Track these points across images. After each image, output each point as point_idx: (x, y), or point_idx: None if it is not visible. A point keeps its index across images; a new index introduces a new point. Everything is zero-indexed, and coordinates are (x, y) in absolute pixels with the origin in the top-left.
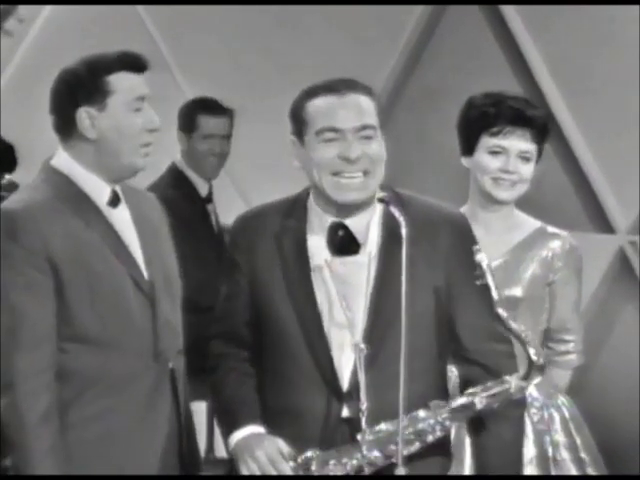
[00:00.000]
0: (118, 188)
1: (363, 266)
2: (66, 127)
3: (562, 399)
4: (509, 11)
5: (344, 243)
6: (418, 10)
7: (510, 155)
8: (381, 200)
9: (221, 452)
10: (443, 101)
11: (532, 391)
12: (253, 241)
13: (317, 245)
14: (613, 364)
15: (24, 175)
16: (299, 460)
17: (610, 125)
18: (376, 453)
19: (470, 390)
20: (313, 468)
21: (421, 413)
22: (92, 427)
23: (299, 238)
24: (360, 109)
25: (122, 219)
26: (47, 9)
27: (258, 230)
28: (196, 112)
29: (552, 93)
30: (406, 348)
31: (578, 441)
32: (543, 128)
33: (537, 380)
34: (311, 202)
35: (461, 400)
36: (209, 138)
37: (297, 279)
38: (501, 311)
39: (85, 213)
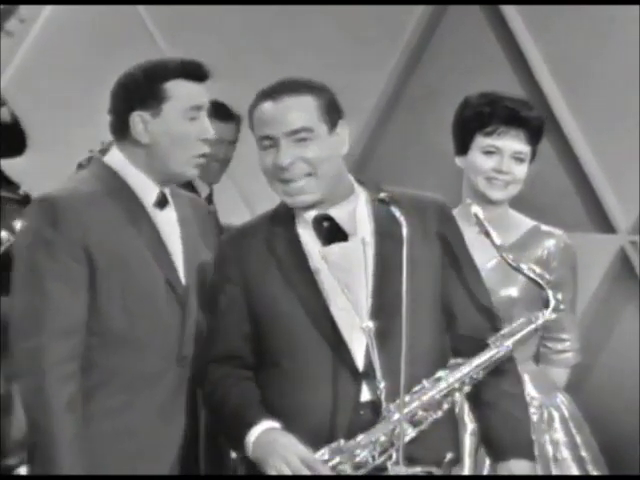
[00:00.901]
0: (167, 191)
1: (357, 251)
2: (121, 129)
3: (561, 397)
4: (510, 11)
5: (331, 233)
6: (418, 10)
7: (504, 155)
8: (382, 201)
9: None
10: (443, 101)
11: (531, 390)
12: (242, 250)
13: (309, 240)
14: (613, 364)
15: (24, 174)
16: (325, 456)
17: (611, 125)
18: (404, 424)
19: (493, 337)
20: (340, 456)
21: (441, 373)
22: (109, 422)
23: (291, 235)
24: (294, 113)
25: (167, 221)
26: (47, 9)
27: (247, 239)
28: None
29: (552, 93)
30: (408, 336)
31: (578, 440)
32: (538, 130)
33: (554, 316)
34: None
35: (486, 349)
36: (214, 143)
37: (297, 275)
38: (508, 255)
39: (130, 211)
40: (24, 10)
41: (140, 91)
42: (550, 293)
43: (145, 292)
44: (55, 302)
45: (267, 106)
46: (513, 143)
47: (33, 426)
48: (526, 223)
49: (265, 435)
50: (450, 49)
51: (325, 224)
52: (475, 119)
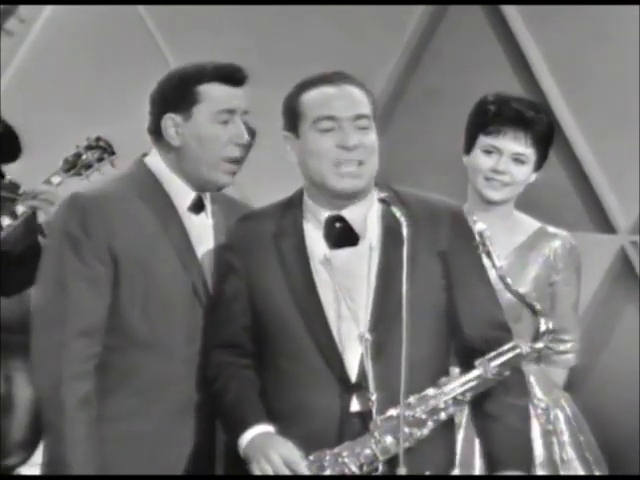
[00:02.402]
0: (207, 196)
1: (363, 257)
2: (155, 131)
3: (564, 398)
4: (510, 11)
5: (342, 235)
6: (419, 10)
7: (503, 155)
8: (382, 201)
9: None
10: (444, 101)
11: (537, 392)
12: (249, 243)
13: (315, 240)
14: (614, 364)
15: (23, 174)
16: (311, 458)
17: (611, 125)
18: (389, 439)
19: (479, 360)
20: (326, 463)
21: (430, 391)
22: (123, 424)
23: (297, 235)
24: (355, 99)
25: (201, 227)
26: (48, 9)
27: (254, 232)
28: None
29: (553, 93)
30: (407, 344)
31: (581, 438)
32: (543, 133)
33: (545, 343)
34: (306, 199)
35: (473, 372)
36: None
37: (298, 276)
38: (506, 278)
39: (161, 214)
40: (24, 10)
41: (174, 94)
42: (542, 321)
43: (168, 297)
44: (77, 302)
45: (327, 90)
46: (513, 144)
47: (46, 422)
48: (532, 224)
49: (257, 439)
50: (450, 49)
51: (337, 225)
52: (480, 118)
